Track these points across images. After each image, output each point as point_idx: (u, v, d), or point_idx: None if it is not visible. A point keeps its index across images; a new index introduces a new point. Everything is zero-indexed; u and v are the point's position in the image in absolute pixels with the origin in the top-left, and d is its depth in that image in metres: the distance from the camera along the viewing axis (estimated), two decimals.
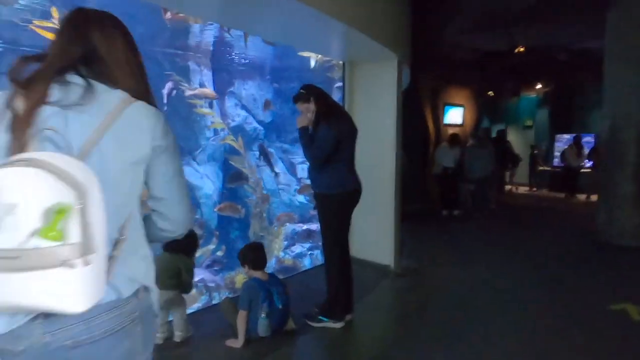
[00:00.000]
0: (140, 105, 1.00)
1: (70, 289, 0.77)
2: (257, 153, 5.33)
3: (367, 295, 3.64)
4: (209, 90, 4.96)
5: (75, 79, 0.95)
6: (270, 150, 5.45)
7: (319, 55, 5.47)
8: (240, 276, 3.85)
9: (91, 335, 0.93)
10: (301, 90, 2.94)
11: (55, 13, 3.41)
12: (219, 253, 4.26)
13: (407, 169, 5.33)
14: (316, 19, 2.92)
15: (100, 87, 0.96)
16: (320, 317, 3.04)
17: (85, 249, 0.77)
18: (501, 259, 5.00)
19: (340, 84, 4.87)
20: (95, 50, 1.00)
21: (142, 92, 1.05)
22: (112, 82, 0.99)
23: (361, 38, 3.45)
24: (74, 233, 0.76)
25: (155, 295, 1.09)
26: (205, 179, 5.04)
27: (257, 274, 2.83)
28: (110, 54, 1.01)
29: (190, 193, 4.97)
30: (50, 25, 3.38)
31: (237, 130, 5.34)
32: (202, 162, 5.07)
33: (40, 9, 3.64)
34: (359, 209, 3.08)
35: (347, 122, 2.99)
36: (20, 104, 0.88)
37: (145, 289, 1.04)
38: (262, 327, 2.73)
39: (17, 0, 3.76)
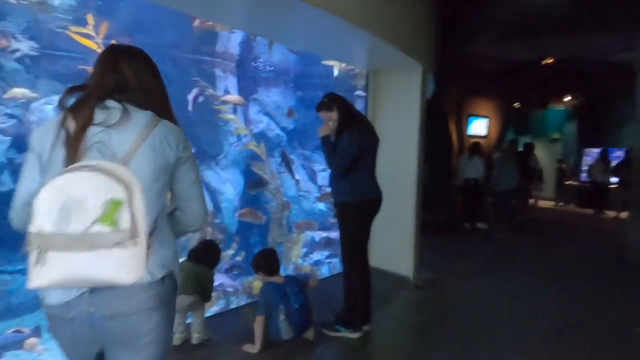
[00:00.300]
0: (166, 123, 1.24)
1: (122, 265, 1.01)
2: (279, 159, 5.36)
3: (385, 306, 3.59)
4: (237, 96, 5.04)
5: (112, 104, 1.19)
6: (292, 157, 5.47)
7: (343, 64, 5.49)
8: (258, 282, 3.86)
9: (128, 309, 1.16)
10: (324, 99, 2.94)
11: (90, 20, 3.53)
12: (238, 258, 4.29)
13: (428, 179, 5.26)
14: (341, 28, 2.93)
15: (133, 109, 1.20)
16: (337, 327, 3.01)
17: (133, 233, 1.01)
18: (523, 272, 4.87)
19: (363, 92, 4.86)
20: (126, 80, 1.23)
21: (165, 112, 1.28)
22: (142, 105, 1.23)
23: (385, 47, 3.45)
24: (124, 221, 1.00)
25: (179, 280, 1.31)
26: (227, 184, 5.10)
27: (273, 279, 2.84)
28: (138, 83, 1.25)
29: (212, 197, 5.07)
30: (86, 31, 3.51)
31: (260, 137, 5.40)
32: (225, 167, 5.13)
33: (76, 16, 3.79)
34: (379, 218, 3.05)
35: (369, 131, 2.98)
36: (71, 125, 1.13)
37: (171, 274, 1.26)
38: (284, 330, 2.72)
39: (55, 8, 3.93)
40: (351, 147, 2.79)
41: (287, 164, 5.31)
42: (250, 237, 4.69)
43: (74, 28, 3.50)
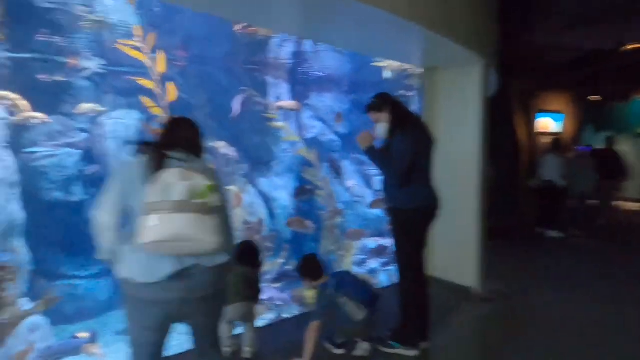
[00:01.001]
0: (213, 168, 1.81)
1: (209, 229, 1.53)
2: (328, 165, 5.25)
3: (445, 321, 3.32)
4: (293, 102, 5.02)
5: (178, 150, 1.70)
6: (341, 162, 5.34)
7: (396, 64, 5.28)
8: (309, 292, 3.77)
9: (211, 291, 1.66)
10: (373, 99, 2.78)
11: (138, 31, 3.65)
12: (289, 267, 4.22)
13: (495, 182, 4.87)
14: (393, 25, 2.77)
15: (192, 154, 1.74)
16: (391, 343, 2.81)
17: (218, 209, 1.60)
18: (606, 286, 4.31)
19: (416, 92, 4.62)
20: (182, 140, 1.75)
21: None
22: (194, 155, 1.76)
23: (441, 41, 3.20)
24: (214, 200, 1.57)
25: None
26: (281, 191, 5.09)
27: (320, 282, 2.73)
28: (190, 142, 1.78)
29: (266, 204, 5.08)
30: (132, 43, 3.63)
31: (313, 143, 5.33)
32: (278, 173, 5.13)
33: (137, 33, 3.95)
34: (439, 225, 2.83)
35: (423, 132, 2.75)
36: (153, 155, 1.64)
37: (227, 263, 1.72)
38: (353, 311, 2.62)
39: (114, 25, 4.12)
40: (405, 149, 2.59)
41: (335, 170, 5.17)
42: (303, 245, 4.62)
43: (122, 40, 3.64)
